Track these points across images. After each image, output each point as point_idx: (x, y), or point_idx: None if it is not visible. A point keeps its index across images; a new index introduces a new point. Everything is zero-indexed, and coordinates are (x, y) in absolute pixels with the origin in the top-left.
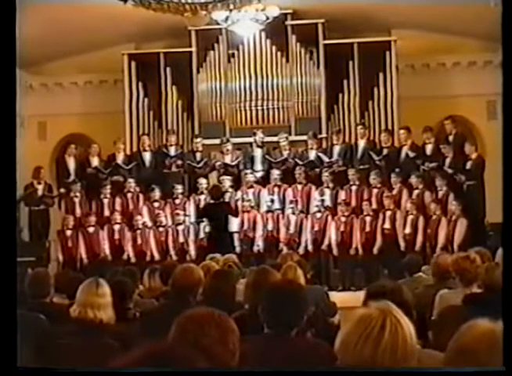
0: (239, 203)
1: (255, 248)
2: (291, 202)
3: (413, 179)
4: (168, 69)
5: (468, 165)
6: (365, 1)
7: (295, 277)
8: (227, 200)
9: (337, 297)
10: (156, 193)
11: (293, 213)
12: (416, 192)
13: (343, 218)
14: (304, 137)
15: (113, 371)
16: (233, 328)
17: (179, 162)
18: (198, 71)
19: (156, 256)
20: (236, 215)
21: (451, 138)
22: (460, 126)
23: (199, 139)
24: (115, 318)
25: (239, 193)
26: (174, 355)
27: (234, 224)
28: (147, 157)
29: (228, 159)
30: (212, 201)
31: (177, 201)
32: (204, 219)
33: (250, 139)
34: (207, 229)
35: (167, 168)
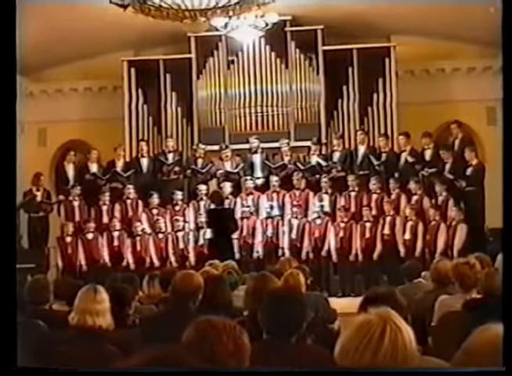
0: (239, 209)
1: (254, 254)
2: (294, 206)
3: (412, 185)
4: (168, 75)
5: (469, 171)
6: (365, 8)
7: (297, 284)
8: (228, 206)
9: (336, 303)
10: (155, 200)
11: (296, 217)
12: (415, 198)
13: (342, 224)
14: (304, 143)
15: (113, 372)
16: (248, 345)
17: (177, 168)
18: (198, 78)
19: (156, 262)
20: (236, 222)
21: (457, 142)
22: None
23: (202, 146)
24: (114, 324)
25: (238, 200)
26: (182, 360)
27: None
28: (145, 163)
29: (227, 165)
30: (213, 207)
31: (176, 208)
32: (205, 225)
33: (249, 146)
34: (208, 234)
35: (165, 175)
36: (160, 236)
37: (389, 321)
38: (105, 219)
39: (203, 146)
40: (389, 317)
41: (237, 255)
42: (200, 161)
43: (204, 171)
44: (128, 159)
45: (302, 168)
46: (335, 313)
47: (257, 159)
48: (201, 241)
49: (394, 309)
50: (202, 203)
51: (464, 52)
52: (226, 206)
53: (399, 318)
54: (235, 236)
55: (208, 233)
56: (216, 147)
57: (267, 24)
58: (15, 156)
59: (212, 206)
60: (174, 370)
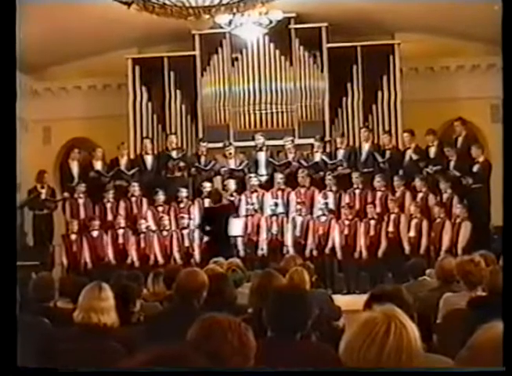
0: (243, 206)
1: (259, 252)
2: (298, 204)
3: (417, 182)
4: (172, 73)
5: (475, 168)
6: (369, 5)
7: (302, 281)
8: (227, 202)
9: (341, 300)
10: (161, 197)
11: (300, 215)
12: (420, 195)
13: (347, 222)
14: (308, 140)
15: (114, 371)
16: (253, 343)
17: (182, 164)
18: (202, 75)
19: (160, 260)
20: (237, 215)
21: (460, 139)
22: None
23: (204, 143)
24: (119, 322)
25: (243, 197)
26: (187, 358)
27: (237, 227)
28: (149, 160)
29: (231, 163)
30: (211, 205)
31: (181, 205)
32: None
33: (254, 143)
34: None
35: (170, 172)
36: (165, 233)
37: (394, 319)
38: (109, 217)
39: (204, 144)
40: (394, 315)
41: (242, 253)
42: (202, 159)
43: (208, 168)
44: (132, 156)
45: (306, 165)
46: (339, 311)
47: (261, 156)
48: (206, 238)
49: (401, 306)
50: (207, 200)
51: (468, 50)
52: (226, 202)
53: (404, 315)
54: (239, 233)
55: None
56: (220, 144)
57: (271, 21)
58: (15, 154)
59: (211, 204)
60: (177, 369)
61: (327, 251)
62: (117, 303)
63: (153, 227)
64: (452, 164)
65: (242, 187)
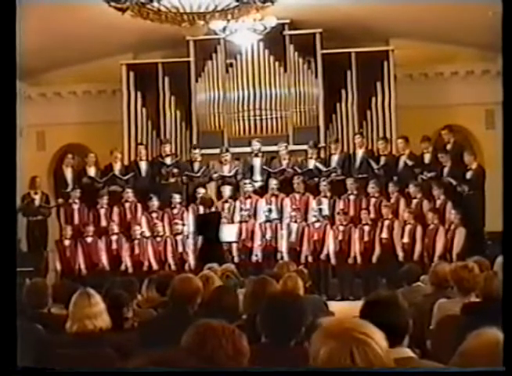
0: (237, 213)
1: (253, 258)
2: (294, 210)
3: (412, 189)
4: (166, 79)
5: (468, 175)
6: (363, 11)
7: (295, 287)
8: (222, 209)
9: (335, 306)
10: (154, 203)
11: (295, 221)
12: (414, 201)
13: (341, 228)
14: (302, 147)
15: (113, 372)
16: (247, 349)
17: (175, 170)
18: (196, 81)
19: (154, 266)
20: (230, 221)
21: (449, 147)
22: (458, 135)
23: (197, 150)
24: (114, 328)
25: (237, 203)
26: (181, 364)
27: (231, 234)
28: (144, 166)
29: (226, 169)
30: (203, 212)
31: (175, 211)
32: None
33: (249, 149)
34: (199, 240)
35: (164, 178)
36: (159, 239)
37: (354, 343)
38: (103, 223)
39: (196, 150)
40: (353, 337)
41: (236, 259)
42: (196, 165)
43: (199, 174)
44: (126, 162)
45: (300, 171)
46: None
47: (257, 162)
48: (198, 245)
49: (397, 312)
50: (201, 206)
51: (463, 56)
52: (214, 210)
53: (365, 328)
54: (233, 239)
55: (199, 238)
56: (215, 151)
57: (265, 28)
58: (15, 160)
59: (203, 211)
60: (174, 370)
61: (321, 257)
62: (111, 309)
63: (147, 233)
64: (446, 170)
65: (237, 193)
